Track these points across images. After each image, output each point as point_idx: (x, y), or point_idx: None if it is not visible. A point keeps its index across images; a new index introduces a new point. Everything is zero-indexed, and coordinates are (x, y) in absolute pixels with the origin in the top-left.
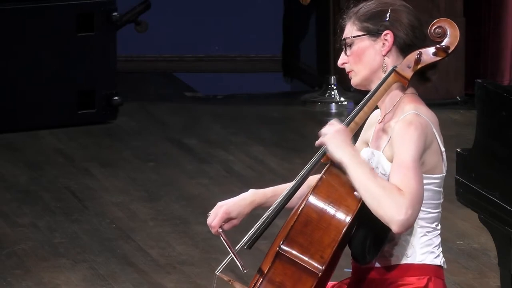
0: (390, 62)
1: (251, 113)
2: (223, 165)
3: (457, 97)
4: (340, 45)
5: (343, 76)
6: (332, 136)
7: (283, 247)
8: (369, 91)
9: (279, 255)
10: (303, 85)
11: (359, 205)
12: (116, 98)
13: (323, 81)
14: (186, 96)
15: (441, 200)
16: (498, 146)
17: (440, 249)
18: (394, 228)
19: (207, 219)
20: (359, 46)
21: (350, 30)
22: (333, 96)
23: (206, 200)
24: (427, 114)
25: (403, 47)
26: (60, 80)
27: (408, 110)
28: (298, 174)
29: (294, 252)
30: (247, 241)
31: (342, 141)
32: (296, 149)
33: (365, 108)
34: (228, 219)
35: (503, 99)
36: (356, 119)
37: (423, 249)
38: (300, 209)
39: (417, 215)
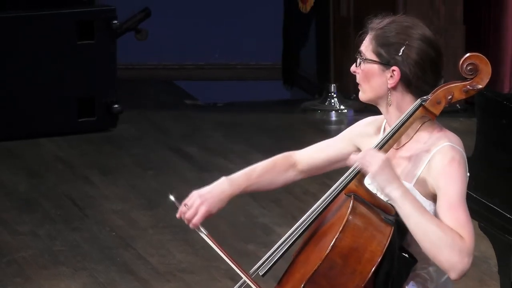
0: (395, 96)
1: (251, 121)
2: (223, 173)
3: (457, 105)
4: (355, 54)
5: (343, 84)
6: (379, 168)
7: None
8: (376, 105)
9: None
10: (303, 93)
11: (385, 249)
12: (116, 106)
13: (323, 89)
14: (186, 104)
15: None
16: (498, 154)
17: None
18: (454, 276)
19: (182, 209)
20: (368, 69)
21: (367, 46)
22: (333, 104)
23: None
24: (457, 142)
25: (409, 86)
26: (60, 88)
27: (441, 141)
28: (296, 181)
29: None
30: (262, 268)
31: (392, 175)
32: None
33: (391, 141)
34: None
35: (503, 107)
36: (382, 151)
37: (442, 278)
38: (326, 253)
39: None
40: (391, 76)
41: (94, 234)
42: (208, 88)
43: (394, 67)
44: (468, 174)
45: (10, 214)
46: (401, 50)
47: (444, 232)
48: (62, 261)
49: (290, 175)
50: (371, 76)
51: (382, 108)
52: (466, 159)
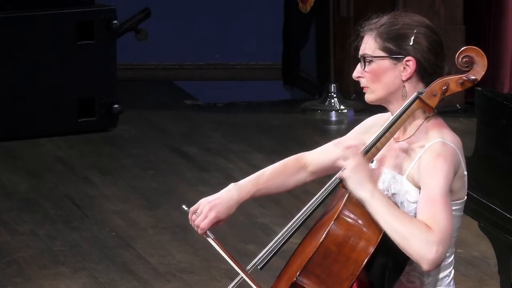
0: (409, 87)
1: (251, 121)
2: (223, 173)
3: (457, 105)
4: (357, 57)
5: (343, 84)
6: (350, 172)
7: (300, 278)
8: (383, 106)
9: (296, 285)
10: (303, 93)
11: (379, 238)
12: (116, 106)
13: (323, 89)
14: (186, 104)
15: (459, 224)
16: (498, 154)
17: (453, 270)
18: (425, 267)
19: (192, 217)
20: (379, 66)
21: (371, 46)
22: (333, 104)
23: None
24: (452, 140)
25: (424, 75)
26: (60, 88)
27: (434, 137)
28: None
29: (311, 283)
30: (260, 262)
31: (361, 178)
32: None
33: (388, 134)
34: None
35: (503, 107)
36: (378, 144)
37: (440, 274)
38: (320, 241)
39: (447, 251)
40: (404, 68)
41: (94, 234)
42: (208, 88)
43: (408, 58)
44: (466, 173)
45: (10, 214)
46: (412, 39)
47: (411, 224)
48: (62, 261)
49: (301, 177)
50: (382, 73)
51: (393, 104)
52: (459, 157)
